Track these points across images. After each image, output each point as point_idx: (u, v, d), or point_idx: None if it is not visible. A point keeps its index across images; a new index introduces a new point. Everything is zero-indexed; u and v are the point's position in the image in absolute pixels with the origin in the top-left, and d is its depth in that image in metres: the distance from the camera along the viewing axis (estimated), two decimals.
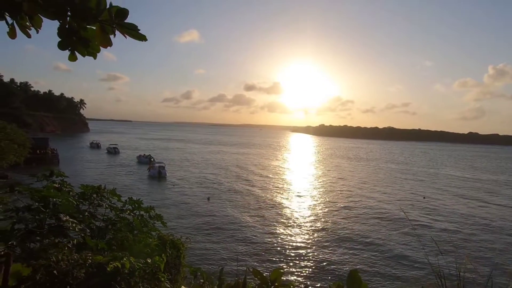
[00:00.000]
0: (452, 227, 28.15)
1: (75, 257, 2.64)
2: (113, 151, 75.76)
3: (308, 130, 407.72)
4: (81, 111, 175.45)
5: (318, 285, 16.29)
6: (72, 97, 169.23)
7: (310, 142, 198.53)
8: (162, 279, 2.82)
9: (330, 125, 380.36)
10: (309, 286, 16.67)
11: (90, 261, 2.59)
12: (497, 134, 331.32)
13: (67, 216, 4.98)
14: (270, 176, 53.75)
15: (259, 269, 2.72)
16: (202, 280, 3.93)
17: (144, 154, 64.98)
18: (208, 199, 34.22)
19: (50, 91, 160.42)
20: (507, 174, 72.66)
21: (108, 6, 1.60)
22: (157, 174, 45.57)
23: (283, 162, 77.27)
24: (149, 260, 2.74)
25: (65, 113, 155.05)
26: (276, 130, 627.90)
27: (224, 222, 26.89)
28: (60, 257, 2.63)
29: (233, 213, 29.70)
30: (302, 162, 79.70)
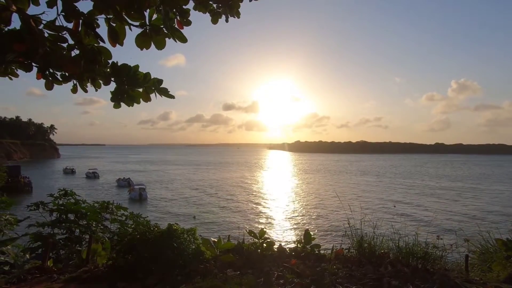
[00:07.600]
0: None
1: (150, 226, 4.61)
2: (92, 175, 74.37)
3: (283, 147, 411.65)
4: (51, 136, 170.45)
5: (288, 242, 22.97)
6: (42, 123, 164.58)
7: (285, 159, 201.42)
8: (197, 236, 4.80)
9: (306, 141, 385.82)
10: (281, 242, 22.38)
11: (156, 228, 4.58)
12: (461, 144, 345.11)
13: (93, 224, 6.81)
14: (247, 192, 55.63)
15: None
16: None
17: (124, 177, 64.80)
18: (194, 217, 35.07)
19: (17, 117, 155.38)
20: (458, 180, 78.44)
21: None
22: (138, 197, 45.88)
23: (258, 179, 79.04)
24: (187, 227, 4.74)
25: (33, 139, 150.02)
26: (253, 148, 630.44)
27: (214, 235, 28.65)
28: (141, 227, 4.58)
29: (220, 227, 31.15)
30: (274, 178, 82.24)
